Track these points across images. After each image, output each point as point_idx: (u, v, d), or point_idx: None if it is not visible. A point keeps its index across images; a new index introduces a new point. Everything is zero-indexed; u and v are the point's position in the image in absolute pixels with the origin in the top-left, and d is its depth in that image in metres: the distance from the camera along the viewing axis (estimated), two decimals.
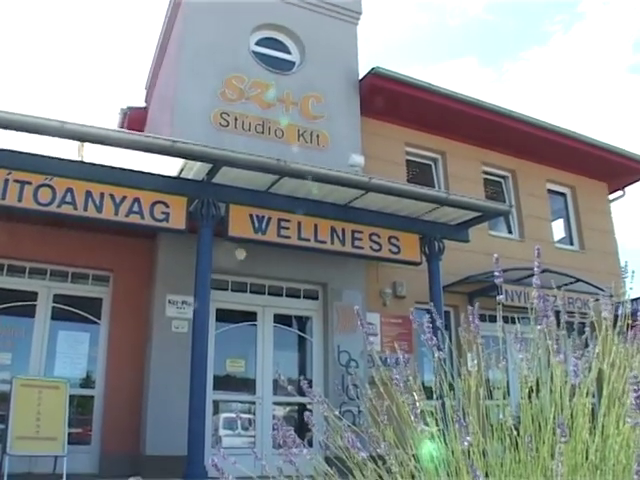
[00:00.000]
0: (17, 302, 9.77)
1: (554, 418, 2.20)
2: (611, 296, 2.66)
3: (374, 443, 2.24)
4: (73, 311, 10.09)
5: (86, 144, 8.00)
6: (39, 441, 8.45)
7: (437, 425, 2.27)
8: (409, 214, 10.34)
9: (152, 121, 13.94)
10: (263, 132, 11.27)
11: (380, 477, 2.13)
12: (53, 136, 7.63)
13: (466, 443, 1.98)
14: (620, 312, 2.67)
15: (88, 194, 8.38)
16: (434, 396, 2.45)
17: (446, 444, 2.25)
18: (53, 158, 8.13)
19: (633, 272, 2.92)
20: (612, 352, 2.45)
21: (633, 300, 3.58)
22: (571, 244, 15.39)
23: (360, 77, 12.75)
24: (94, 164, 8.38)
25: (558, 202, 15.79)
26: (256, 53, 11.99)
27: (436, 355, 2.42)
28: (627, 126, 51.85)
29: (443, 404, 2.36)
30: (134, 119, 14.08)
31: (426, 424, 2.15)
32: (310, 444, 2.30)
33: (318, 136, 11.73)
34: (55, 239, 9.77)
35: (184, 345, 8.78)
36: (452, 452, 2.22)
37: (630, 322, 2.67)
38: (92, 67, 47.69)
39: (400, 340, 10.82)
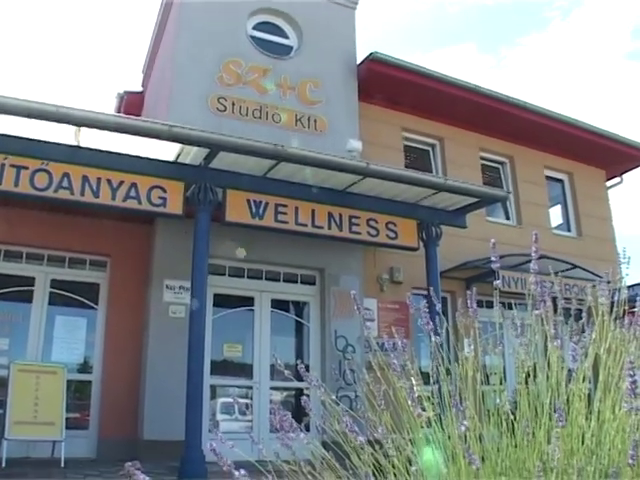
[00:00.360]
0: (14, 287, 9.77)
1: (551, 403, 2.20)
2: (608, 282, 2.66)
3: (371, 428, 2.24)
4: (70, 296, 10.09)
5: (82, 129, 7.96)
6: (37, 426, 8.48)
7: (434, 410, 2.28)
8: (407, 199, 10.33)
9: (149, 105, 13.88)
10: (260, 117, 11.23)
11: (377, 461, 2.14)
12: (48, 120, 7.58)
13: (463, 427, 1.98)
14: (617, 298, 2.67)
15: (85, 179, 8.35)
16: (431, 381, 2.46)
17: (443, 429, 2.26)
18: (49, 143, 8.08)
19: (629, 258, 2.92)
20: (608, 338, 2.46)
21: (630, 286, 3.59)
22: (568, 231, 15.40)
23: (358, 62, 12.69)
24: (91, 149, 8.34)
25: (556, 188, 15.78)
26: (254, 38, 11.93)
27: (433, 339, 2.42)
28: (625, 113, 51.78)
29: (440, 389, 2.36)
30: (131, 103, 14.02)
31: (423, 409, 2.15)
32: (307, 429, 2.30)
33: (316, 121, 11.69)
34: (52, 224, 9.75)
35: (181, 330, 8.79)
36: (449, 437, 2.23)
37: (626, 308, 2.67)
38: (88, 51, 47.44)
39: (397, 326, 10.83)
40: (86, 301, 10.20)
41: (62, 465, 8.18)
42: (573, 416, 2.21)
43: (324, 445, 2.32)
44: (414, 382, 2.24)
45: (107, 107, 14.95)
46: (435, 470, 2.05)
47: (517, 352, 2.38)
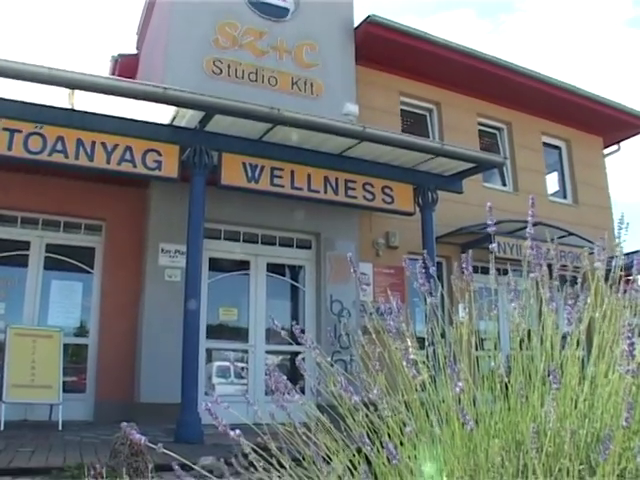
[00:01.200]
0: (10, 252, 9.76)
1: (544, 368, 2.21)
2: (604, 249, 2.65)
3: (366, 389, 2.25)
4: (66, 260, 10.09)
5: (76, 92, 7.87)
6: (34, 389, 8.55)
7: (429, 372, 2.29)
8: (403, 164, 10.29)
9: (144, 68, 13.72)
10: (256, 80, 11.12)
11: (371, 423, 2.15)
12: (41, 83, 7.50)
13: (458, 389, 1.99)
14: (613, 264, 2.67)
15: (79, 142, 8.28)
16: (426, 343, 2.46)
17: (437, 391, 2.27)
18: (43, 106, 8.00)
19: (628, 224, 2.91)
20: (604, 303, 2.46)
21: (626, 254, 3.58)
22: (565, 198, 15.40)
23: (355, 25, 12.53)
24: (85, 112, 8.26)
25: (553, 155, 15.75)
26: (250, 0, 11.74)
27: (428, 301, 2.42)
28: (625, 81, 51.45)
29: (435, 351, 2.37)
30: (125, 66, 13.84)
31: (418, 372, 2.16)
32: (303, 392, 2.31)
33: (312, 84, 11.59)
34: (47, 188, 9.69)
35: (177, 294, 8.81)
36: (443, 400, 2.24)
37: (623, 274, 2.68)
38: (82, 13, 46.78)
39: (393, 290, 10.87)
40: (82, 265, 10.20)
41: (60, 428, 8.26)
42: (566, 380, 2.22)
43: (319, 408, 2.33)
44: (409, 343, 2.24)
45: (101, 70, 14.77)
46: None
47: (512, 316, 2.38)
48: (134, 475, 3.98)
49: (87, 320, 10.16)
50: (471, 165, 10.42)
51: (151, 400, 8.99)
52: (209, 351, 10.28)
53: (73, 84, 7.65)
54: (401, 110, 13.32)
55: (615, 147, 16.65)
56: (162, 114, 8.52)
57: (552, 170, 15.72)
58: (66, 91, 7.85)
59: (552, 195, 15.18)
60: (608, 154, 16.67)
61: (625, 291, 2.52)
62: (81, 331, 10.19)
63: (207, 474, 2.47)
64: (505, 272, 2.62)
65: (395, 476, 2.09)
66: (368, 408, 2.18)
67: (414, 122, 13.69)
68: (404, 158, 10.11)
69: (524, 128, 14.76)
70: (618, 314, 2.44)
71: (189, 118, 8.65)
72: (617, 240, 2.78)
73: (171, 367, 8.32)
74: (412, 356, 2.08)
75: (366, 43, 12.37)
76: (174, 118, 8.67)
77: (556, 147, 15.78)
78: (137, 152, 8.51)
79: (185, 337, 8.04)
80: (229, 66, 10.96)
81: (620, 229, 2.82)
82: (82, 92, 7.84)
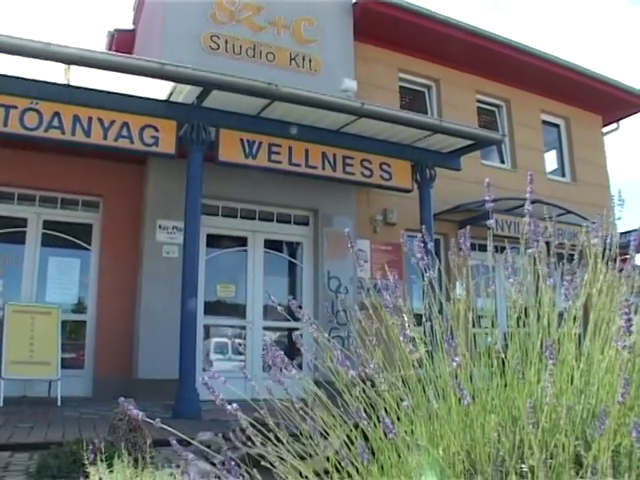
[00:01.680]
0: (7, 229, 9.73)
1: (541, 344, 2.22)
2: (601, 226, 2.65)
3: (363, 365, 2.26)
4: (63, 237, 10.08)
5: (72, 67, 7.81)
6: (33, 365, 8.59)
7: (426, 347, 2.29)
8: (401, 140, 10.27)
9: (140, 44, 13.59)
10: (254, 55, 11.04)
11: (368, 398, 2.16)
12: (37, 58, 7.44)
13: (454, 363, 2.00)
14: (608, 240, 2.67)
15: (76, 118, 8.23)
16: (423, 318, 2.47)
17: (434, 367, 2.28)
18: (39, 81, 7.95)
19: (624, 200, 2.91)
20: (600, 280, 2.46)
21: (623, 233, 3.58)
22: (563, 176, 15.38)
23: (354, 0, 12.41)
24: (81, 87, 8.21)
25: (552, 133, 15.71)
26: None
27: (426, 275, 2.42)
28: (625, 59, 51.17)
29: (432, 327, 2.37)
30: (122, 41, 13.71)
31: (415, 347, 2.16)
32: (300, 368, 2.32)
33: (310, 60, 11.50)
34: (43, 165, 9.64)
35: (175, 270, 8.82)
36: (439, 375, 2.25)
37: (618, 251, 2.68)
38: None
39: (390, 267, 10.85)
40: (79, 242, 10.19)
41: (58, 404, 8.32)
42: (563, 356, 2.22)
43: (317, 384, 2.34)
44: (406, 318, 2.24)
45: (97, 46, 14.65)
46: None
47: (509, 291, 2.38)
48: (132, 450, 4.01)
49: (85, 297, 10.17)
50: (469, 142, 10.40)
51: (149, 376, 9.03)
52: (207, 327, 10.32)
53: (69, 59, 7.59)
54: (400, 87, 13.25)
55: (614, 125, 16.61)
56: (159, 90, 8.47)
57: (551, 148, 15.68)
58: (62, 66, 7.79)
59: (550, 173, 15.15)
60: (607, 132, 16.63)
61: (622, 269, 2.52)
62: (79, 308, 10.21)
63: (205, 449, 2.49)
64: (503, 250, 2.61)
65: (392, 451, 2.10)
66: (365, 383, 2.18)
67: (413, 99, 13.63)
68: (402, 135, 10.08)
69: (523, 106, 14.69)
70: (615, 291, 2.45)
71: (186, 94, 8.60)
72: (612, 217, 2.77)
73: (169, 343, 8.36)
74: (408, 331, 2.08)
75: (365, 19, 12.26)
76: (171, 94, 8.62)
77: (555, 125, 15.73)
78: (134, 128, 8.47)
79: (183, 313, 8.06)
80: (227, 42, 10.88)
81: (617, 205, 2.81)
82: (78, 68, 7.78)
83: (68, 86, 8.19)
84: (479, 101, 14.27)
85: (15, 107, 7.96)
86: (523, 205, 2.42)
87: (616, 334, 1.96)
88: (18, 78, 7.82)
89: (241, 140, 9.16)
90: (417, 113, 10.58)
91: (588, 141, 15.80)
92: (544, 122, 15.30)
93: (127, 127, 8.44)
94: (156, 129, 8.58)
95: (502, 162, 14.36)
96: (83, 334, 9.97)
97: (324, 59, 11.62)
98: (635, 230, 2.57)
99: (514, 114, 14.60)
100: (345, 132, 9.86)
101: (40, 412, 7.58)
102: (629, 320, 1.75)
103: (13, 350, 8.47)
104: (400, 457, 2.08)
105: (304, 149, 9.61)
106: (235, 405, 1.96)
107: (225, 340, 10.76)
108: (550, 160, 15.52)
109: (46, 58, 7.48)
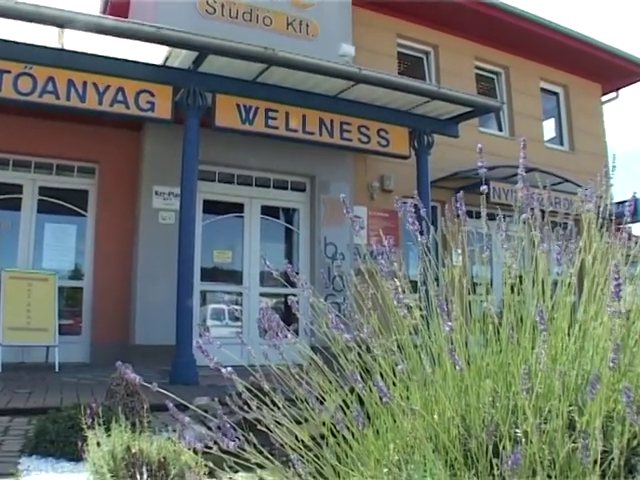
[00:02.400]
0: (2, 195, 9.69)
1: (536, 310, 2.22)
2: (595, 192, 2.65)
3: (358, 329, 2.27)
4: (59, 203, 10.04)
5: (66, 31, 7.71)
6: (30, 332, 8.61)
7: (421, 312, 2.30)
8: (399, 107, 10.20)
9: (135, 8, 13.37)
10: (251, 20, 10.89)
11: (364, 362, 2.17)
12: (28, 21, 7.32)
13: (448, 328, 2.00)
14: (601, 207, 2.67)
15: (70, 83, 8.12)
16: (418, 284, 2.47)
17: (429, 332, 2.29)
18: (32, 45, 7.82)
19: (614, 167, 2.91)
20: (594, 247, 2.47)
21: (619, 203, 3.57)
22: (561, 144, 15.32)
23: None
24: (75, 52, 8.09)
25: (550, 101, 15.60)
26: None
27: (419, 239, 2.42)
28: (626, 27, 50.65)
29: (427, 292, 2.38)
30: (116, 6, 13.47)
31: (409, 312, 2.17)
32: (296, 333, 2.33)
33: (307, 25, 11.35)
34: (38, 130, 9.55)
35: (171, 236, 8.81)
36: (434, 341, 2.26)
37: (613, 218, 2.68)
38: None
39: (386, 234, 10.84)
40: (75, 208, 10.16)
41: (56, 370, 8.36)
42: (557, 323, 2.24)
43: (313, 349, 2.35)
44: (401, 283, 2.25)
45: (91, 10, 14.43)
46: None
47: (504, 257, 2.38)
48: (130, 415, 4.04)
49: (82, 263, 10.17)
50: (467, 109, 10.34)
51: (146, 342, 9.07)
52: (203, 293, 10.35)
53: (62, 23, 7.48)
54: (398, 52, 13.14)
55: (614, 94, 16.49)
56: (155, 54, 8.38)
57: (549, 116, 15.59)
58: (56, 30, 7.69)
59: (548, 142, 15.09)
60: (606, 101, 16.52)
61: (616, 236, 2.53)
62: (76, 274, 10.22)
63: (202, 413, 2.51)
64: (502, 217, 2.61)
65: (387, 415, 2.13)
66: (360, 347, 2.19)
67: (411, 65, 13.51)
68: (400, 101, 10.01)
69: (522, 73, 14.58)
70: (610, 257, 2.45)
71: (182, 59, 8.50)
72: (606, 185, 2.77)
73: (166, 309, 8.37)
74: (402, 296, 2.08)
75: None
76: (167, 59, 8.53)
77: (554, 93, 15.62)
78: (130, 93, 8.37)
79: (179, 279, 8.08)
80: (223, 5, 10.72)
81: (612, 170, 2.81)
82: (72, 31, 7.67)
83: (62, 50, 8.08)
84: (478, 68, 14.15)
85: (9, 72, 7.85)
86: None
87: (609, 297, 1.97)
88: (11, 42, 7.68)
89: (237, 105, 9.08)
90: (415, 79, 10.51)
91: (587, 110, 15.71)
92: (543, 90, 15.19)
93: (122, 92, 8.34)
94: (152, 94, 8.48)
95: (500, 130, 14.29)
96: (80, 300, 9.99)
97: (322, 24, 11.47)
98: (629, 200, 2.57)
99: (513, 82, 14.49)
100: (343, 98, 9.79)
101: (38, 378, 7.62)
102: (618, 285, 1.76)
103: (10, 316, 8.49)
104: (395, 422, 2.10)
105: (301, 115, 9.53)
106: (230, 368, 1.97)
107: (222, 306, 10.79)
108: (548, 128, 15.45)
109: (39, 21, 7.36)
